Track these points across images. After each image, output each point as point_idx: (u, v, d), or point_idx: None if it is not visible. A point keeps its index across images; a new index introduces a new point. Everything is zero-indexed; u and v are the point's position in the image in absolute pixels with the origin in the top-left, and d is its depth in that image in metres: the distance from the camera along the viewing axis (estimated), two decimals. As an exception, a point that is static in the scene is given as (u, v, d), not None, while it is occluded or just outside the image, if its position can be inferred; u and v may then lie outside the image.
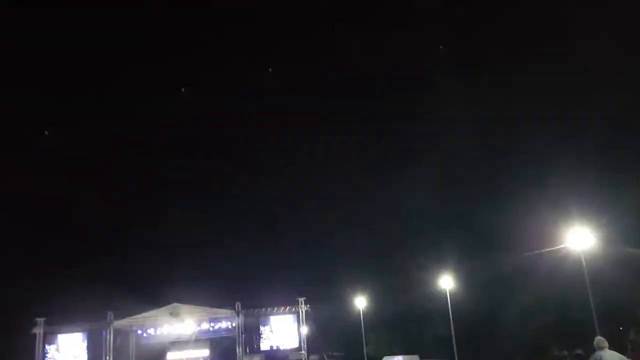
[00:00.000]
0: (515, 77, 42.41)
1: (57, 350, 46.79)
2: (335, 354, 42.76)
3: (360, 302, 41.48)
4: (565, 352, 31.46)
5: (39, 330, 45.62)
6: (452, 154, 45.46)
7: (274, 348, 47.97)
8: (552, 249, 23.05)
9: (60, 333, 46.82)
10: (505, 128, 43.03)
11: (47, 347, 46.35)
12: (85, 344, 47.14)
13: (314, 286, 47.57)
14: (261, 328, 48.63)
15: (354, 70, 56.56)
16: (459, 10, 52.14)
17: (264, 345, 48.15)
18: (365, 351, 40.27)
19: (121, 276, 51.51)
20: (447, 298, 30.92)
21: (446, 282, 31.29)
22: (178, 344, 49.48)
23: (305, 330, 47.49)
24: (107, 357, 45.51)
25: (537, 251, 26.81)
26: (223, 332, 49.71)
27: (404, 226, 46.15)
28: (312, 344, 47.33)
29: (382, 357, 36.75)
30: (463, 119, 43.18)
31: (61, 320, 46.08)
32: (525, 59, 43.66)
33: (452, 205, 42.98)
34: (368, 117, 58.50)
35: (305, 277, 50.53)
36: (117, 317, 46.22)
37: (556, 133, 37.46)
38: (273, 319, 48.79)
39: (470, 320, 31.75)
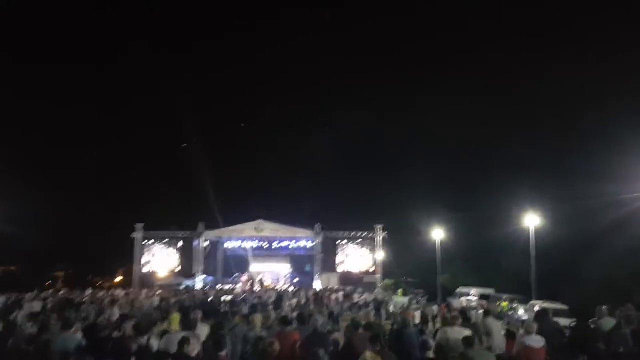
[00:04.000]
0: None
1: (153, 254, 51.55)
2: (409, 280, 43.85)
3: (438, 233, 41.75)
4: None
5: (138, 235, 50.19)
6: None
7: (350, 270, 50.06)
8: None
9: (156, 238, 51.40)
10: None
11: (144, 250, 51.13)
12: (179, 250, 51.58)
13: (392, 213, 48.31)
14: (338, 250, 50.67)
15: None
16: None
17: (340, 267, 50.35)
18: (439, 281, 40.96)
19: (213, 192, 55.01)
20: (528, 236, 30.48)
21: (531, 220, 30.70)
22: (261, 257, 52.91)
23: (380, 255, 48.88)
24: (197, 263, 49.59)
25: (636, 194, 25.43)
26: (302, 251, 52.26)
27: (488, 163, 45.06)
28: (387, 269, 48.82)
29: (456, 288, 37.34)
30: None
31: (158, 228, 50.49)
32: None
33: (541, 145, 41.16)
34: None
35: (384, 203, 51.39)
36: (208, 228, 49.88)
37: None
38: (350, 242, 50.59)
39: (553, 259, 31.13)
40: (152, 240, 51.37)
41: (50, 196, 48.62)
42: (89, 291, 31.97)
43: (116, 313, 17.61)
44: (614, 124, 32.36)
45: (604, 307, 11.09)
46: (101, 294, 31.50)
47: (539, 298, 27.12)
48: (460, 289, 36.19)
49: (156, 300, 27.41)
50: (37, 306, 23.77)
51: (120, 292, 32.26)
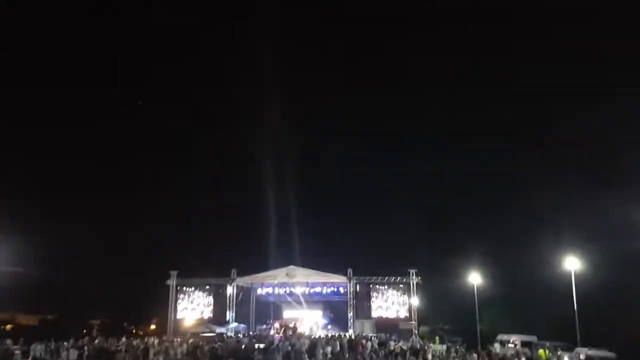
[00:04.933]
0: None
1: (188, 300, 51.64)
2: (446, 327, 42.56)
3: (475, 277, 40.72)
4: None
5: (172, 282, 50.52)
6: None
7: (384, 317, 48.80)
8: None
9: (190, 285, 51.59)
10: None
11: (179, 296, 51.29)
12: (211, 297, 51.53)
13: (427, 259, 47.44)
14: (372, 295, 49.64)
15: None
16: None
17: (375, 313, 49.16)
18: (478, 328, 39.63)
19: (245, 239, 55.30)
20: (569, 279, 29.45)
21: (571, 264, 29.71)
22: (293, 303, 52.33)
23: (415, 301, 47.70)
24: (230, 310, 49.35)
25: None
26: (335, 297, 51.48)
27: (525, 203, 44.18)
28: (423, 315, 47.46)
29: (496, 335, 36.04)
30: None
31: (192, 275, 50.74)
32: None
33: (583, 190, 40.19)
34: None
35: (418, 249, 50.50)
36: (239, 275, 49.88)
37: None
38: (384, 287, 49.58)
39: (593, 303, 29.92)
40: (186, 287, 51.60)
41: (85, 245, 49.66)
42: (123, 339, 32.17)
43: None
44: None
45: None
46: (135, 342, 31.64)
47: (583, 344, 25.93)
48: (501, 336, 34.92)
49: (188, 348, 27.36)
50: (73, 354, 24.00)
51: (154, 340, 32.34)
